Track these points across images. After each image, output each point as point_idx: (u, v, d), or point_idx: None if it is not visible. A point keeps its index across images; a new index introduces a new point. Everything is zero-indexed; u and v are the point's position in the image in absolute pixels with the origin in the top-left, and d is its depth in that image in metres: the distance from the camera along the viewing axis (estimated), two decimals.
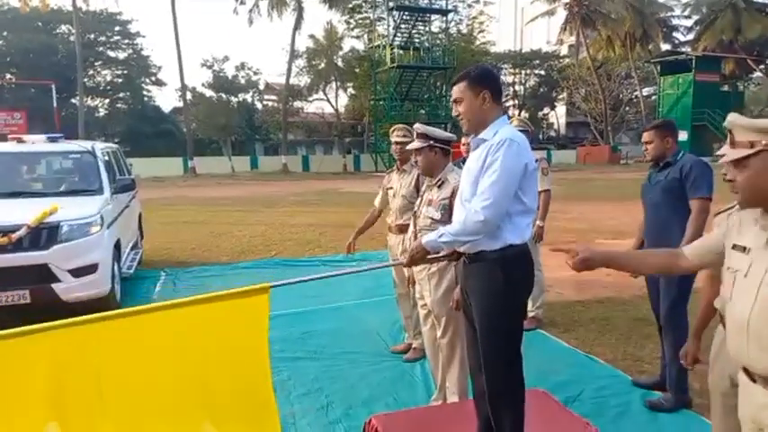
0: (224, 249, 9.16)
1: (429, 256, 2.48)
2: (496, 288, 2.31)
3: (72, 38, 35.37)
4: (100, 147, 6.90)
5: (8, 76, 37.90)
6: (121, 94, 43.66)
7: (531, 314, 4.89)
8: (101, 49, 41.37)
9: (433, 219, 3.07)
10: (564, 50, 52.64)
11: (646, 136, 3.43)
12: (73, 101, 36.33)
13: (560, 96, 51.81)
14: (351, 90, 43.10)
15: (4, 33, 37.48)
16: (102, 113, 43.36)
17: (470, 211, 2.27)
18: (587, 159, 40.53)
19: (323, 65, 40.74)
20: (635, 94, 44.98)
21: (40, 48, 36.37)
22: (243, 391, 2.21)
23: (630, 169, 31.23)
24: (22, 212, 5.09)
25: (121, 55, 42.83)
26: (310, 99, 42.97)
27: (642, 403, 3.52)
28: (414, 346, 4.37)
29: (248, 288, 2.24)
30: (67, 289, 5.02)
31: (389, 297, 5.72)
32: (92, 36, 39.15)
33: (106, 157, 6.77)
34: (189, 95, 36.32)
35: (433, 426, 2.88)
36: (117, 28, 41.53)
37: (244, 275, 7.42)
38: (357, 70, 39.74)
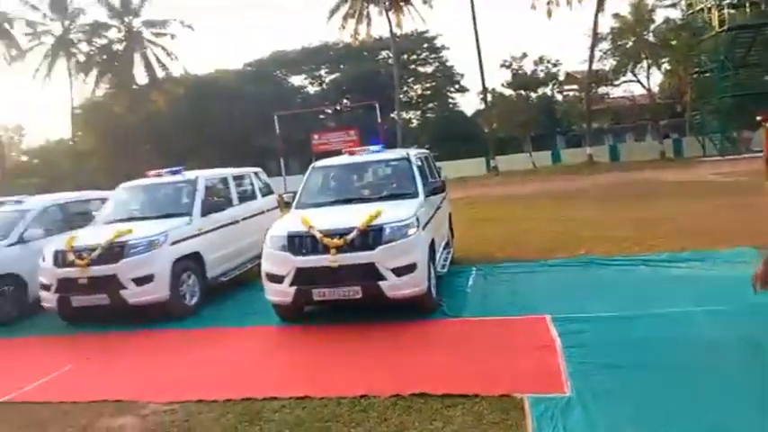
0: (530, 246, 9.04)
1: None
2: None
3: (390, 61, 40.58)
4: (413, 153, 7.43)
5: (344, 101, 45.79)
6: (430, 105, 48.12)
7: None
8: (413, 66, 46.41)
9: None
10: None
11: None
12: (392, 115, 41.63)
13: None
14: (666, 66, 38.07)
15: (341, 66, 45.49)
16: (414, 124, 48.55)
17: None
18: None
19: (630, 43, 37.05)
20: None
21: (366, 73, 42.87)
22: None
23: None
24: (353, 217, 5.62)
25: (429, 69, 47.20)
26: (617, 83, 39.59)
27: None
28: None
29: None
30: (392, 286, 5.33)
31: (732, 307, 4.73)
32: (405, 56, 44.23)
33: (419, 162, 7.26)
34: (489, 97, 37.64)
35: None
36: (425, 45, 45.99)
37: (553, 272, 7.18)
38: (673, 42, 34.86)
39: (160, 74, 36.54)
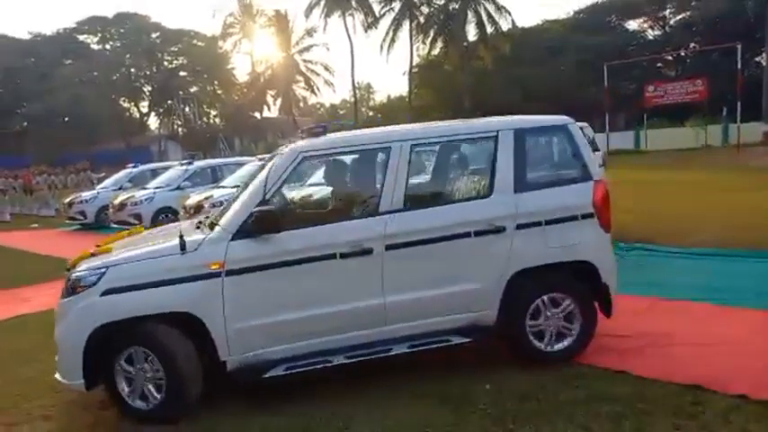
0: None
1: None
2: None
3: None
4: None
5: (692, 45, 38.94)
6: None
7: None
8: None
9: None
10: None
11: None
12: (757, 59, 33.69)
13: None
14: None
15: (692, 3, 38.49)
16: None
17: None
18: None
19: None
20: None
21: (726, 10, 35.22)
22: None
23: None
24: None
25: None
26: None
27: None
28: None
29: None
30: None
31: None
32: None
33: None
34: None
35: None
36: None
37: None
38: None
39: (489, 30, 37.49)
